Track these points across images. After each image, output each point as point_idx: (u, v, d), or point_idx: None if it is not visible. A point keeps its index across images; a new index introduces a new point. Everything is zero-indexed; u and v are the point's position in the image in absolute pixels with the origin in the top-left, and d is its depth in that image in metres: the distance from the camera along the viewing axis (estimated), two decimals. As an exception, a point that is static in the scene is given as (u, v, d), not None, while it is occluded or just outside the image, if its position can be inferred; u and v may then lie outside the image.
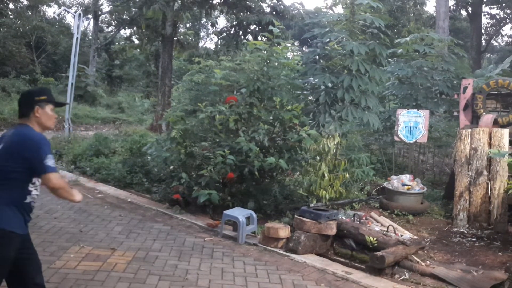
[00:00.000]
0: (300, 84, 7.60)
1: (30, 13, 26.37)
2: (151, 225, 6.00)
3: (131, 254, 4.84)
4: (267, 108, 7.08)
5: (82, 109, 19.70)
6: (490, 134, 6.71)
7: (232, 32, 16.88)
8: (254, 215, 5.83)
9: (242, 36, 16.23)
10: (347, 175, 6.68)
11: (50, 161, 2.67)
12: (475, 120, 7.75)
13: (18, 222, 2.70)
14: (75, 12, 14.67)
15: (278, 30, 7.29)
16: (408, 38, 10.14)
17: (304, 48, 28.13)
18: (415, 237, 5.89)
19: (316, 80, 7.48)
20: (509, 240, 5.95)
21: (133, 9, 17.38)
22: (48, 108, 2.84)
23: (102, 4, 27.58)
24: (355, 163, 6.88)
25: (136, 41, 24.98)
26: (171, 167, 7.33)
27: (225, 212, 5.79)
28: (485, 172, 6.56)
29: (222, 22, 52.23)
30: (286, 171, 6.85)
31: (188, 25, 28.32)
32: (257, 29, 15.73)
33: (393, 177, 7.67)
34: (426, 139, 8.50)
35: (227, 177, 6.32)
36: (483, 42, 27.16)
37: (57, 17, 27.81)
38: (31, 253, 2.86)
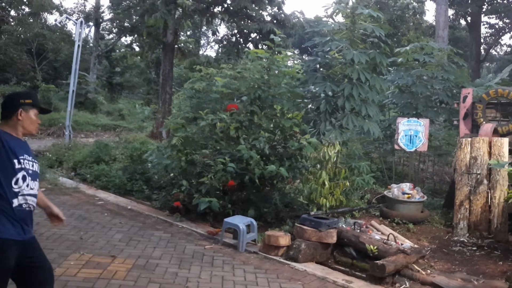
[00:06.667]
0: (301, 93, 7.63)
1: (32, 20, 26.43)
2: (152, 233, 6.00)
3: (131, 262, 4.83)
4: (268, 116, 7.10)
5: (82, 116, 19.72)
6: (490, 143, 6.73)
7: (233, 40, 16.97)
8: (255, 223, 5.83)
9: (243, 45, 16.32)
10: (348, 183, 6.69)
11: None
12: (475, 129, 7.77)
13: (11, 228, 2.59)
14: (76, 20, 14.75)
15: (280, 39, 7.34)
16: (408, 47, 10.19)
17: (304, 57, 28.25)
18: (416, 245, 5.89)
19: (316, 89, 7.51)
20: (509, 249, 5.94)
21: (134, 16, 17.49)
22: (32, 112, 2.76)
23: (103, 12, 27.68)
24: (356, 171, 6.89)
25: (137, 49, 25.09)
26: (172, 174, 7.34)
27: (225, 219, 5.79)
28: (485, 181, 6.58)
29: (223, 30, 52.55)
30: (287, 179, 6.86)
31: (188, 33, 28.44)
32: (258, 37, 15.81)
33: (393, 185, 7.68)
34: (426, 148, 8.52)
35: (227, 184, 6.33)
36: (482, 51, 27.30)
37: (59, 25, 27.84)
38: (38, 261, 2.77)
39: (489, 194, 6.51)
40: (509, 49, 32.29)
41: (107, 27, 30.27)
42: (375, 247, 5.09)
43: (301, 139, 6.58)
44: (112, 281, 4.29)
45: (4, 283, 2.62)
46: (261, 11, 15.72)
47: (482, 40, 26.79)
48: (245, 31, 15.86)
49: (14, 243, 2.58)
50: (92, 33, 28.69)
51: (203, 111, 6.98)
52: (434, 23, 20.93)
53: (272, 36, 7.60)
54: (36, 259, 2.76)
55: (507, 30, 27.61)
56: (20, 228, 2.63)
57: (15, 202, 2.60)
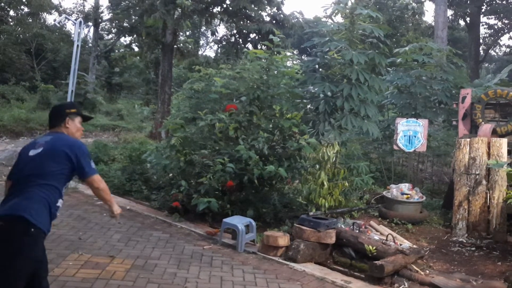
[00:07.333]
0: (300, 93, 7.63)
1: (31, 20, 26.42)
2: (150, 233, 5.99)
3: (130, 262, 4.83)
4: (267, 116, 7.11)
5: (81, 116, 19.64)
6: (489, 143, 6.74)
7: (232, 40, 16.97)
8: (253, 223, 5.83)
9: (242, 45, 16.31)
10: (346, 184, 6.69)
11: (93, 164, 2.97)
12: (473, 129, 7.78)
13: (48, 223, 2.81)
14: (75, 20, 14.73)
15: (279, 39, 7.34)
16: (407, 48, 10.20)
17: (303, 57, 28.24)
18: (414, 246, 5.89)
19: (315, 89, 7.51)
20: (508, 250, 5.95)
21: (133, 17, 17.45)
22: (77, 120, 3.10)
23: (102, 12, 27.62)
24: (354, 171, 6.89)
25: (136, 49, 25.06)
26: (171, 174, 7.33)
27: (224, 220, 5.79)
28: (484, 182, 6.58)
29: (222, 30, 52.55)
30: (286, 179, 6.86)
31: (188, 33, 28.43)
32: (257, 37, 15.81)
33: (392, 186, 7.69)
34: (425, 148, 8.53)
35: (226, 185, 6.33)
36: (481, 52, 27.32)
37: (58, 25, 27.82)
38: (45, 257, 2.91)
39: (488, 195, 6.52)
40: (508, 49, 32.35)
41: (106, 27, 30.27)
42: (374, 248, 5.09)
43: (300, 140, 6.58)
44: (111, 281, 4.29)
45: (27, 275, 2.68)
46: (260, 11, 15.71)
47: (481, 41, 26.81)
48: (244, 31, 15.85)
49: (44, 238, 2.80)
50: (91, 33, 28.66)
51: (202, 112, 6.98)
52: (433, 24, 20.95)
53: (271, 36, 7.60)
54: (45, 254, 2.90)
55: (506, 30, 27.64)
56: (50, 225, 2.85)
57: (59, 202, 2.91)
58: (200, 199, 6.16)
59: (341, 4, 7.96)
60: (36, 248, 2.70)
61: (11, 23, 25.19)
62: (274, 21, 15.89)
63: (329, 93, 7.34)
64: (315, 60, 7.80)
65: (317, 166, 6.80)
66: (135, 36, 20.37)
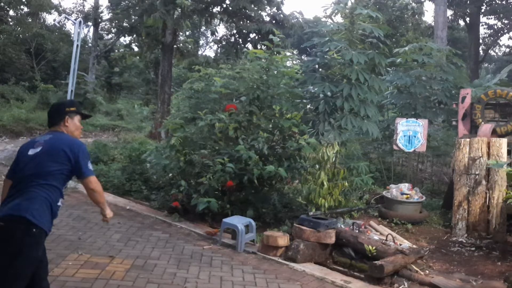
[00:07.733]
0: (300, 93, 7.63)
1: (30, 20, 26.44)
2: (150, 233, 5.99)
3: (130, 262, 4.83)
4: (267, 116, 7.10)
5: (81, 116, 19.62)
6: (488, 143, 6.74)
7: (231, 40, 16.98)
8: (253, 223, 5.83)
9: (242, 45, 16.32)
10: (346, 184, 6.69)
11: (90, 165, 2.96)
12: (473, 129, 7.78)
13: (50, 223, 2.83)
14: (75, 20, 14.71)
15: (278, 39, 7.34)
16: (406, 48, 10.20)
17: (303, 57, 28.24)
18: (414, 246, 5.89)
19: (315, 89, 7.52)
20: (507, 250, 5.95)
21: (133, 17, 17.45)
22: (76, 118, 3.10)
23: (102, 12, 27.59)
24: (354, 171, 6.89)
25: (136, 49, 25.05)
26: (170, 174, 7.33)
27: (224, 220, 5.79)
28: (484, 182, 6.58)
29: (221, 30, 52.54)
30: (285, 179, 6.86)
31: (187, 33, 28.42)
32: (256, 37, 15.81)
33: (392, 186, 7.69)
34: (425, 148, 8.53)
35: (226, 185, 6.33)
36: (481, 52, 27.32)
37: (57, 24, 27.87)
38: (45, 257, 2.92)
39: (488, 195, 6.52)
40: (507, 49, 32.36)
41: (106, 27, 30.22)
42: (374, 248, 5.09)
43: (300, 140, 6.58)
44: (111, 281, 4.28)
45: (28, 275, 2.71)
46: (260, 11, 15.71)
47: (480, 41, 26.81)
48: (244, 31, 15.85)
49: (45, 238, 2.82)
50: (91, 33, 28.64)
51: (202, 111, 6.98)
52: (433, 24, 20.96)
53: (271, 36, 7.61)
54: (45, 254, 2.92)
55: (505, 31, 27.63)
56: (51, 225, 2.86)
57: (60, 202, 2.92)
58: (200, 199, 6.16)
59: (341, 4, 7.97)
60: (37, 248, 2.72)
61: (11, 23, 25.19)
62: (274, 21, 15.89)
63: (329, 93, 7.35)
64: (315, 60, 7.81)
65: (317, 166, 6.79)
66: (135, 36, 20.38)
